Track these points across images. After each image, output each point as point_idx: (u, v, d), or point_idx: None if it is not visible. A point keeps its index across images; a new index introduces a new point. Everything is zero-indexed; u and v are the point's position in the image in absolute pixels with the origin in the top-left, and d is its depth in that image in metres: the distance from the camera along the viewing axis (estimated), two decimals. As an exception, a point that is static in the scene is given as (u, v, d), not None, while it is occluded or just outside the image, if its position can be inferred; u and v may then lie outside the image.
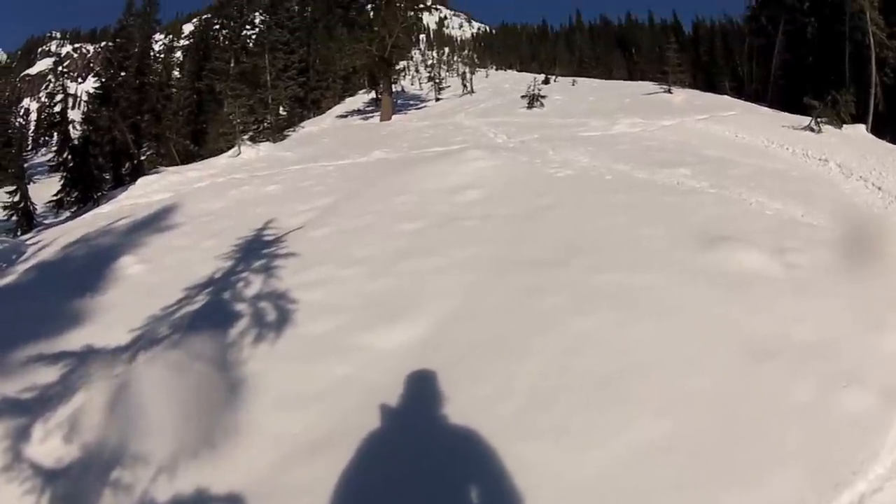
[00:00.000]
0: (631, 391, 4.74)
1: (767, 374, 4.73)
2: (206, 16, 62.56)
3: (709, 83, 65.69)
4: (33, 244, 16.48)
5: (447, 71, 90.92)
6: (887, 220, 9.66)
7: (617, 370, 5.02)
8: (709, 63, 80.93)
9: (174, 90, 53.77)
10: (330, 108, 53.36)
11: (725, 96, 37.79)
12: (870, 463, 3.82)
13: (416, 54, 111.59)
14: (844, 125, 21.27)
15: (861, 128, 22.26)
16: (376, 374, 5.59)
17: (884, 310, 5.68)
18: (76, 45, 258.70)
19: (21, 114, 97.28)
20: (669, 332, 5.51)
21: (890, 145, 18.85)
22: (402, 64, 57.81)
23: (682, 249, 7.46)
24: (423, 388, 5.16)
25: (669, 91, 34.86)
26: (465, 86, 57.62)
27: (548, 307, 6.28)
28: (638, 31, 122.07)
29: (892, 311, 5.63)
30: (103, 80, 45.06)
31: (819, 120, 20.26)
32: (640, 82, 50.53)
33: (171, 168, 28.53)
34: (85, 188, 40.32)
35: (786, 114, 25.12)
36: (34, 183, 40.75)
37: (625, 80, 67.70)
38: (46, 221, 35.58)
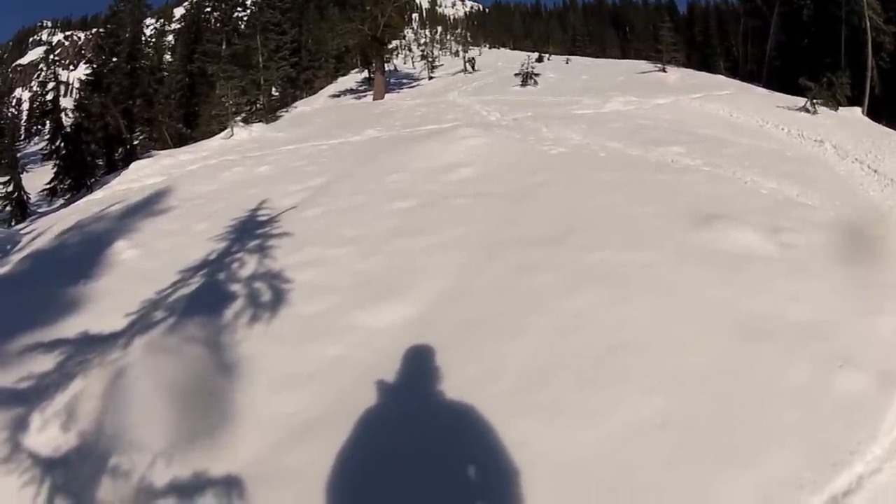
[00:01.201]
0: (625, 369, 4.74)
1: (762, 354, 4.73)
2: (197, -2, 62.39)
3: (703, 63, 65.50)
4: (28, 233, 16.42)
5: (440, 50, 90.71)
6: (883, 204, 9.66)
7: (611, 348, 5.03)
8: (703, 43, 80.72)
9: (166, 74, 53.44)
10: (322, 88, 53.16)
11: (720, 76, 37.72)
12: (868, 444, 3.81)
13: (408, 33, 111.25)
14: (840, 107, 21.22)
15: (857, 110, 22.19)
16: (370, 353, 5.61)
17: (879, 292, 5.69)
18: (67, 33, 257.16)
19: (13, 104, 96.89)
20: (663, 311, 5.51)
21: (886, 129, 18.77)
22: (394, 43, 57.53)
23: (676, 228, 7.46)
24: (416, 368, 5.17)
25: (663, 70, 34.76)
26: (468, 67, 57.13)
27: (541, 286, 6.29)
28: (632, 10, 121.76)
29: (888, 294, 5.64)
30: (95, 66, 44.89)
31: (815, 101, 20.22)
32: (633, 61, 50.35)
33: (163, 152, 28.38)
34: (78, 175, 40.24)
35: (781, 94, 25.01)
36: (27, 172, 40.53)
37: (618, 58, 67.52)
38: (40, 210, 35.49)
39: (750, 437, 3.94)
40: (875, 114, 25.38)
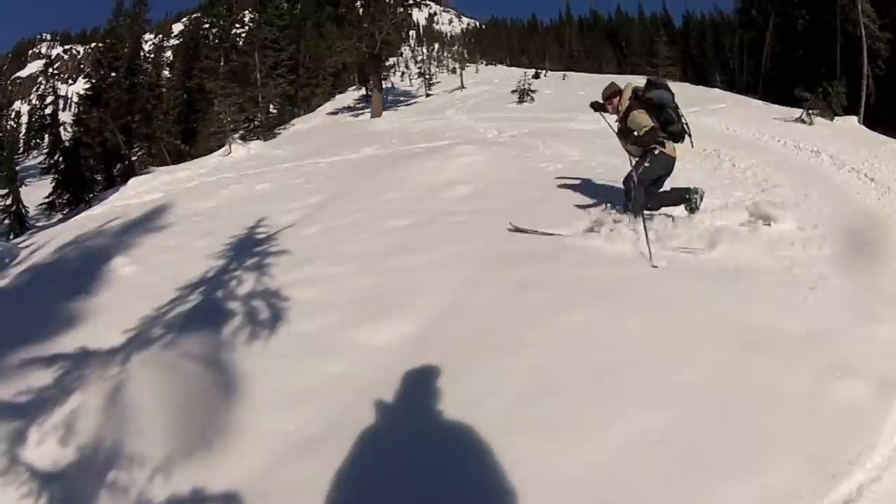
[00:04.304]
0: (623, 384, 4.74)
1: (761, 366, 4.73)
2: (195, 15, 62.69)
3: (699, 76, 65.69)
4: (26, 247, 16.47)
5: (437, 67, 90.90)
6: (880, 212, 9.68)
7: (609, 363, 5.03)
8: (699, 56, 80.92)
9: (164, 90, 53.73)
10: (320, 106, 53.39)
11: (715, 89, 37.96)
12: (867, 453, 3.80)
13: (405, 50, 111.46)
14: (836, 117, 21.30)
15: (853, 119, 22.29)
16: (369, 371, 5.61)
17: (876, 301, 5.69)
18: (66, 47, 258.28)
19: (12, 117, 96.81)
20: (661, 325, 5.51)
21: (882, 136, 18.84)
22: (391, 60, 57.74)
23: (672, 241, 7.50)
24: (415, 385, 5.18)
25: (659, 84, 34.90)
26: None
27: (538, 302, 6.30)
28: (628, 24, 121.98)
29: (885, 302, 5.64)
30: (94, 81, 45.00)
31: (810, 112, 20.29)
32: (630, 76, 50.52)
33: (161, 168, 28.58)
34: (76, 190, 40.32)
35: (777, 106, 25.13)
36: (26, 186, 40.63)
37: (615, 73, 67.61)
38: (39, 224, 35.54)
39: (749, 448, 3.93)
40: (871, 122, 25.50)
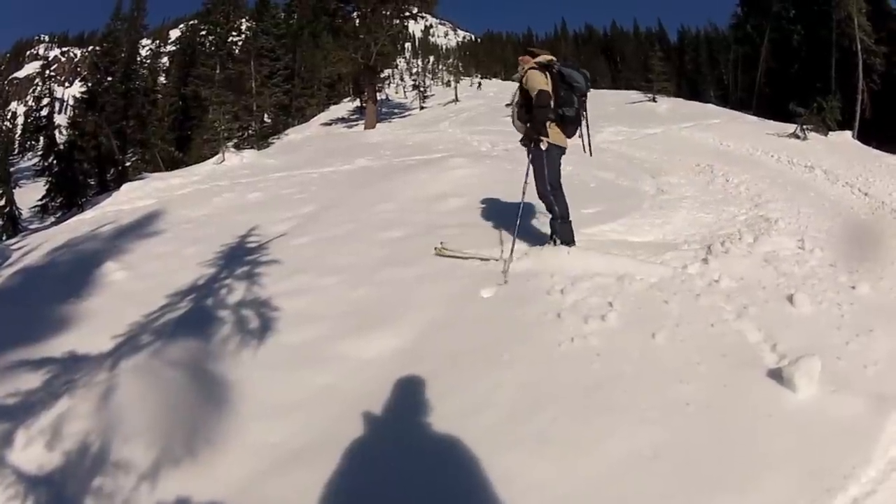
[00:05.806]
0: (616, 399, 4.72)
1: (755, 381, 4.74)
2: (192, 21, 62.71)
3: (693, 92, 66.03)
4: (18, 249, 16.41)
5: (432, 80, 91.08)
6: (875, 227, 9.73)
7: (601, 378, 5.02)
8: (694, 72, 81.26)
9: (160, 96, 53.78)
10: (314, 116, 53.44)
11: (710, 105, 38.05)
12: (862, 467, 3.77)
13: (401, 63, 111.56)
14: (830, 132, 21.45)
15: (847, 134, 22.49)
16: (358, 383, 5.59)
17: (871, 315, 5.71)
18: (64, 49, 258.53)
19: (8, 117, 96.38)
20: (654, 339, 5.53)
21: (876, 151, 18.99)
22: (386, 72, 57.82)
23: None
24: (405, 398, 5.16)
25: (654, 100, 35.07)
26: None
27: (531, 316, 6.31)
28: (623, 39, 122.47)
29: (880, 316, 5.65)
30: (90, 84, 45.09)
31: (805, 127, 20.43)
32: (624, 91, 50.66)
33: (155, 175, 28.51)
34: (70, 193, 40.28)
35: (771, 121, 25.23)
36: (20, 187, 40.39)
37: (609, 88, 67.75)
38: (32, 226, 35.39)
39: (743, 464, 3.92)
40: (865, 136, 25.68)
